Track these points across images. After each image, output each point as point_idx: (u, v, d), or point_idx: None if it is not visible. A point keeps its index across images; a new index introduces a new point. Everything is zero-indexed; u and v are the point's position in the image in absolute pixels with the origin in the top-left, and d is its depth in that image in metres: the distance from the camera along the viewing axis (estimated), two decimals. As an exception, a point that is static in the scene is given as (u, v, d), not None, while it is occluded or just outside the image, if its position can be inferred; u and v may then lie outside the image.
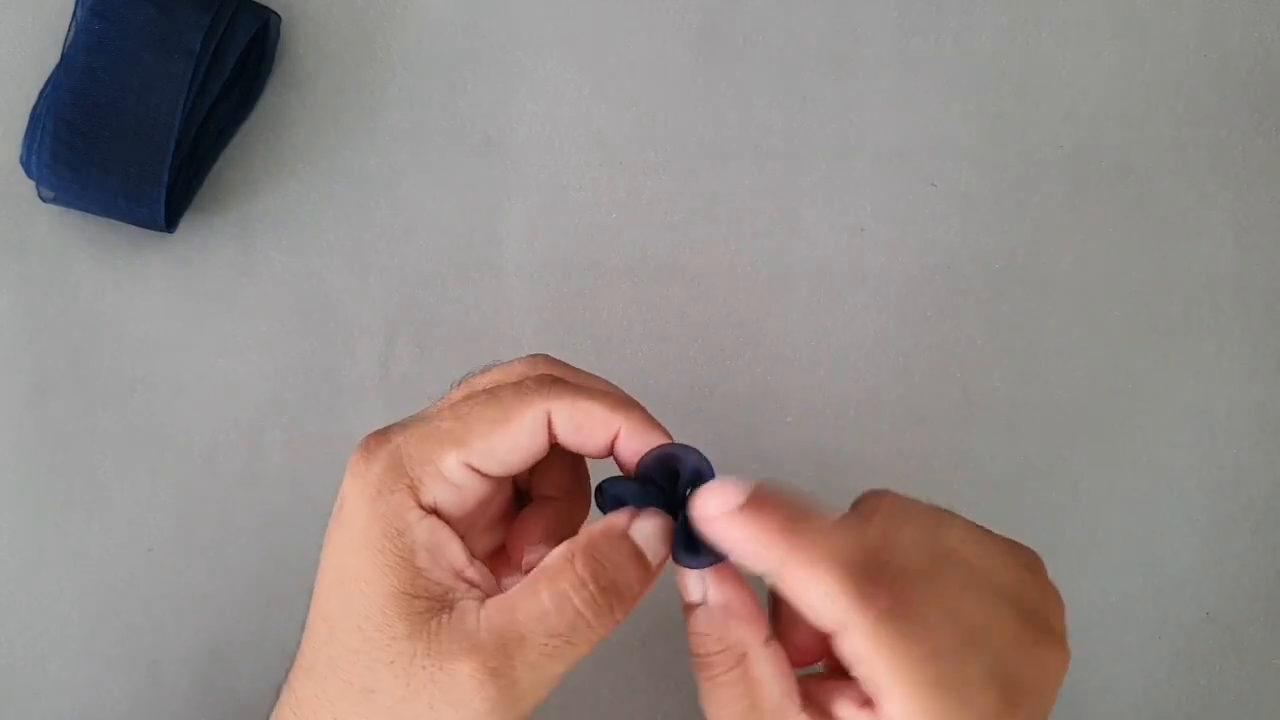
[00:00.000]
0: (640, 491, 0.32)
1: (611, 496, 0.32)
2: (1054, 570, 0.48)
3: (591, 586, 0.30)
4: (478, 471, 0.31)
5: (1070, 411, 0.49)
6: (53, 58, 0.46)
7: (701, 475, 0.32)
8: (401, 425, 0.32)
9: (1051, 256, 0.49)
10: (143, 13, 0.45)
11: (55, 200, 0.46)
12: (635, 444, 0.32)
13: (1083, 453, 0.48)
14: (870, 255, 0.49)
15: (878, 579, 0.29)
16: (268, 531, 0.47)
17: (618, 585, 0.31)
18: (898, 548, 0.30)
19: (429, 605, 0.30)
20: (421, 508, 0.31)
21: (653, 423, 0.32)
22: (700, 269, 0.49)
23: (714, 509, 0.30)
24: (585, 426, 0.31)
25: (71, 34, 0.46)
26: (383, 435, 0.32)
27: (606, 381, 0.34)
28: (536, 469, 0.34)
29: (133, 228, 0.47)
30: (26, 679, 0.46)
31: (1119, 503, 0.48)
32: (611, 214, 0.49)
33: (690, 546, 0.31)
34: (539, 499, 0.35)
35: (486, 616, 0.30)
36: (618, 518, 0.32)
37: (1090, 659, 0.48)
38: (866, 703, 0.30)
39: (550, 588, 0.30)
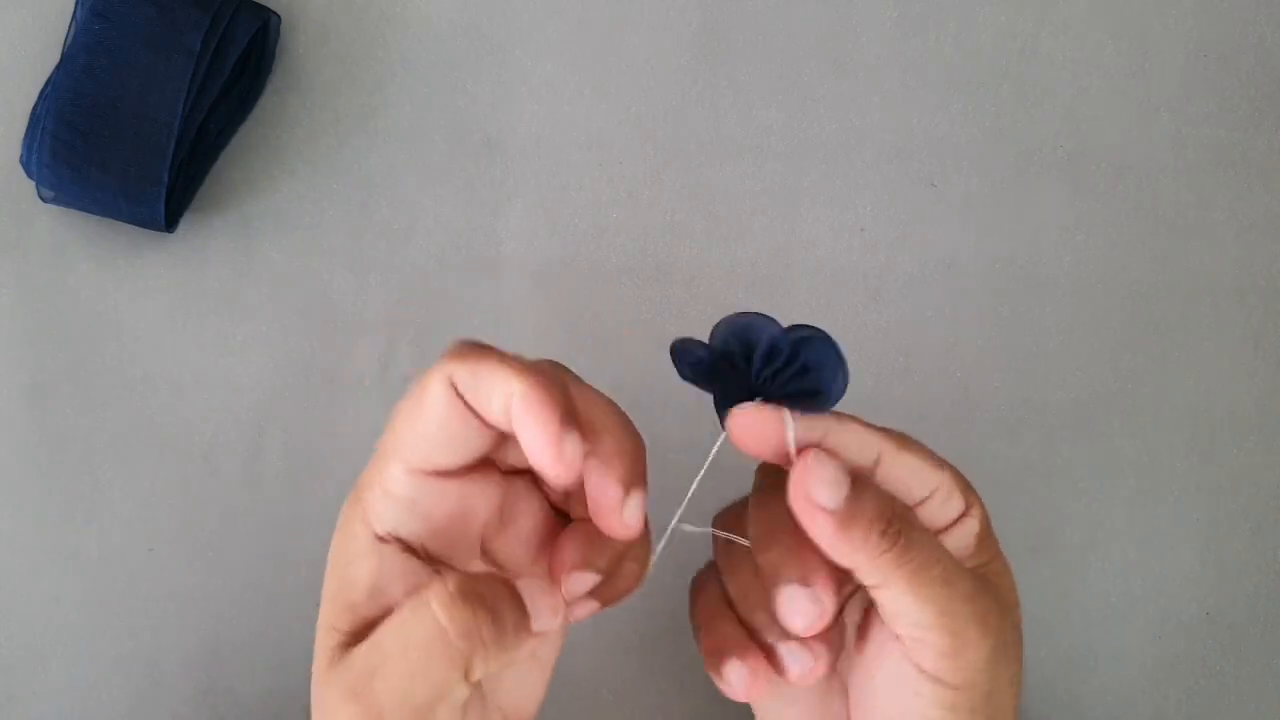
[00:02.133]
0: (710, 367, 0.32)
1: (686, 364, 0.32)
2: (1054, 570, 0.49)
3: (452, 588, 0.29)
4: (427, 473, 0.30)
5: (1070, 411, 0.49)
6: (53, 58, 0.46)
7: (776, 349, 0.32)
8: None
9: (1051, 256, 0.49)
10: (143, 13, 0.45)
11: (55, 200, 0.46)
12: (521, 413, 0.28)
13: (1083, 453, 0.49)
14: (870, 255, 0.49)
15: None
16: (268, 531, 0.47)
17: (478, 593, 0.29)
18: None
19: (342, 638, 0.29)
20: (377, 537, 0.30)
21: (540, 395, 0.28)
22: (700, 269, 0.49)
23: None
24: (482, 395, 0.29)
25: (71, 34, 0.46)
26: (359, 478, 0.32)
27: (598, 395, 0.32)
28: (574, 488, 0.33)
29: (133, 228, 0.47)
30: (26, 679, 0.46)
31: (1119, 503, 0.48)
32: (611, 214, 0.49)
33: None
34: (577, 520, 0.34)
35: (367, 642, 0.29)
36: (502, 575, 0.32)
37: (1090, 659, 0.48)
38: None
39: (409, 595, 0.30)
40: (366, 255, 0.49)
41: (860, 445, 0.32)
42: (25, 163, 0.46)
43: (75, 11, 0.47)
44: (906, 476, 0.33)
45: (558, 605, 0.30)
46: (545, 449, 0.28)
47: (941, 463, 0.34)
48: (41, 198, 0.47)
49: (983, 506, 0.34)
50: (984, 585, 0.33)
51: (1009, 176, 0.50)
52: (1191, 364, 0.49)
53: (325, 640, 0.30)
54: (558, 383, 0.29)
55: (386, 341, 0.48)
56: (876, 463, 0.33)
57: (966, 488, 0.34)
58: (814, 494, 0.31)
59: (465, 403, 0.29)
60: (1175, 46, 0.51)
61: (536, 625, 0.29)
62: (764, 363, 0.32)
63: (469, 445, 0.30)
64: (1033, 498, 0.48)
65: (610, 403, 0.32)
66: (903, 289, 0.49)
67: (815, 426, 0.32)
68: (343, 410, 0.48)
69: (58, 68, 0.46)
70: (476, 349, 0.30)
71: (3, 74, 0.48)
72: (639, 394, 0.48)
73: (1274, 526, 0.48)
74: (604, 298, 0.49)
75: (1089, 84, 0.50)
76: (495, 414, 0.29)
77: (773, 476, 0.35)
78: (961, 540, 0.34)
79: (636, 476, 0.31)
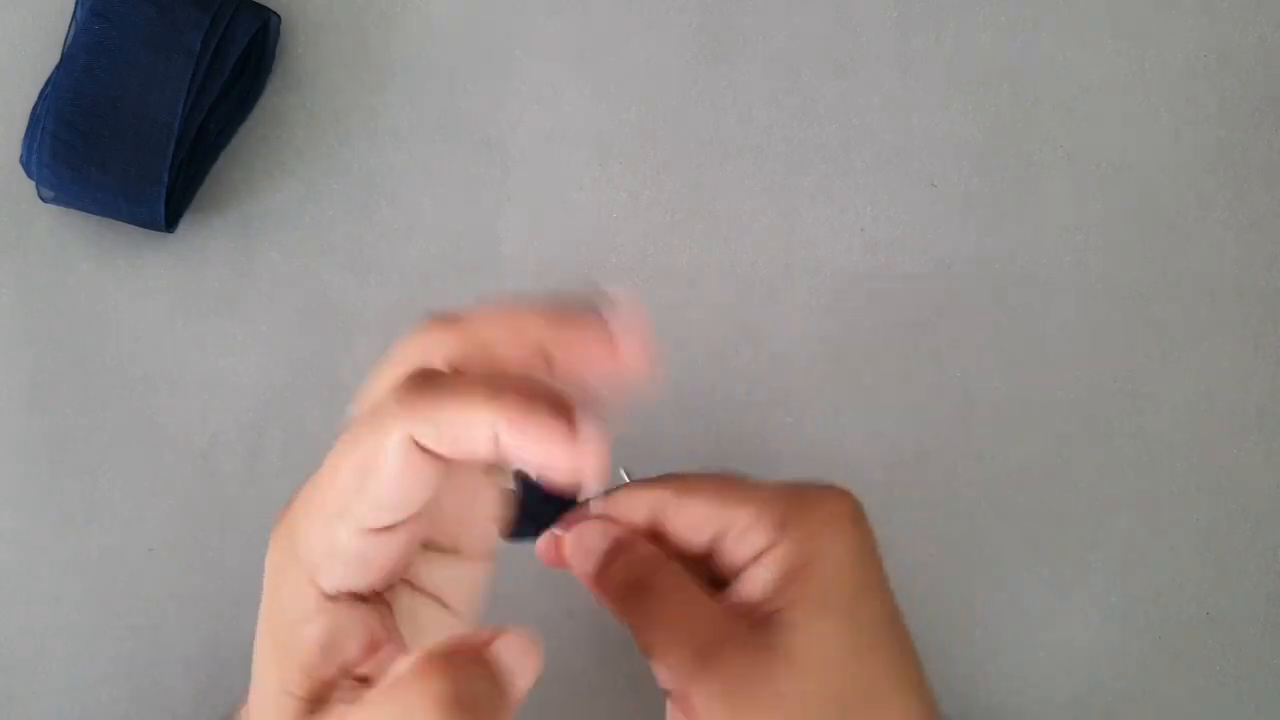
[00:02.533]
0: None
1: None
2: (1054, 570, 0.49)
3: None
4: (379, 530, 0.27)
5: (1070, 411, 0.49)
6: (53, 58, 0.46)
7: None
8: (296, 493, 0.29)
9: (1051, 256, 0.49)
10: (143, 13, 0.45)
11: (55, 200, 0.46)
12: (517, 445, 0.25)
13: (1083, 453, 0.48)
14: (870, 255, 0.49)
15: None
16: (268, 531, 0.47)
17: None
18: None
19: (300, 705, 0.28)
20: (326, 597, 0.28)
21: (528, 410, 0.25)
22: (700, 269, 0.49)
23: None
24: (461, 439, 0.26)
25: (71, 34, 0.46)
26: (285, 511, 0.29)
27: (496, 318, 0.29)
28: None
29: (133, 228, 0.47)
30: (26, 679, 0.46)
31: (1119, 503, 0.48)
32: (611, 214, 0.49)
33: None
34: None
35: None
36: (478, 635, 0.27)
37: (1090, 659, 0.48)
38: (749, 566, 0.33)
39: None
40: (366, 255, 0.49)
41: (634, 507, 0.34)
42: (25, 163, 0.46)
43: (75, 11, 0.47)
44: (686, 524, 0.33)
45: (538, 662, 0.28)
46: (563, 461, 0.25)
47: (744, 500, 0.32)
48: (41, 198, 0.47)
49: (804, 540, 0.32)
50: (718, 642, 0.31)
51: (1009, 176, 0.50)
52: (1191, 364, 0.49)
53: (281, 705, 0.28)
54: (527, 384, 0.26)
55: (386, 341, 0.48)
56: (657, 517, 0.34)
57: (786, 521, 0.32)
58: (576, 568, 0.34)
59: (430, 452, 0.26)
60: (1175, 46, 0.51)
61: (523, 686, 0.27)
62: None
63: (428, 489, 0.27)
64: (1033, 498, 0.48)
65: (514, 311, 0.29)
66: (903, 289, 0.49)
67: (594, 508, 0.34)
68: (343, 410, 0.48)
69: (58, 68, 0.46)
70: (425, 386, 0.27)
71: (3, 74, 0.48)
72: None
73: (1274, 526, 0.48)
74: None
75: (1089, 84, 0.50)
76: (478, 453, 0.26)
77: None
78: (752, 585, 0.32)
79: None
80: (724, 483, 0.33)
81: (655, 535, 0.34)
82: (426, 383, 0.27)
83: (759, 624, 0.31)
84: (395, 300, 0.48)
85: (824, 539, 0.32)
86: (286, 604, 0.28)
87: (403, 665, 0.26)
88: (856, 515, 0.33)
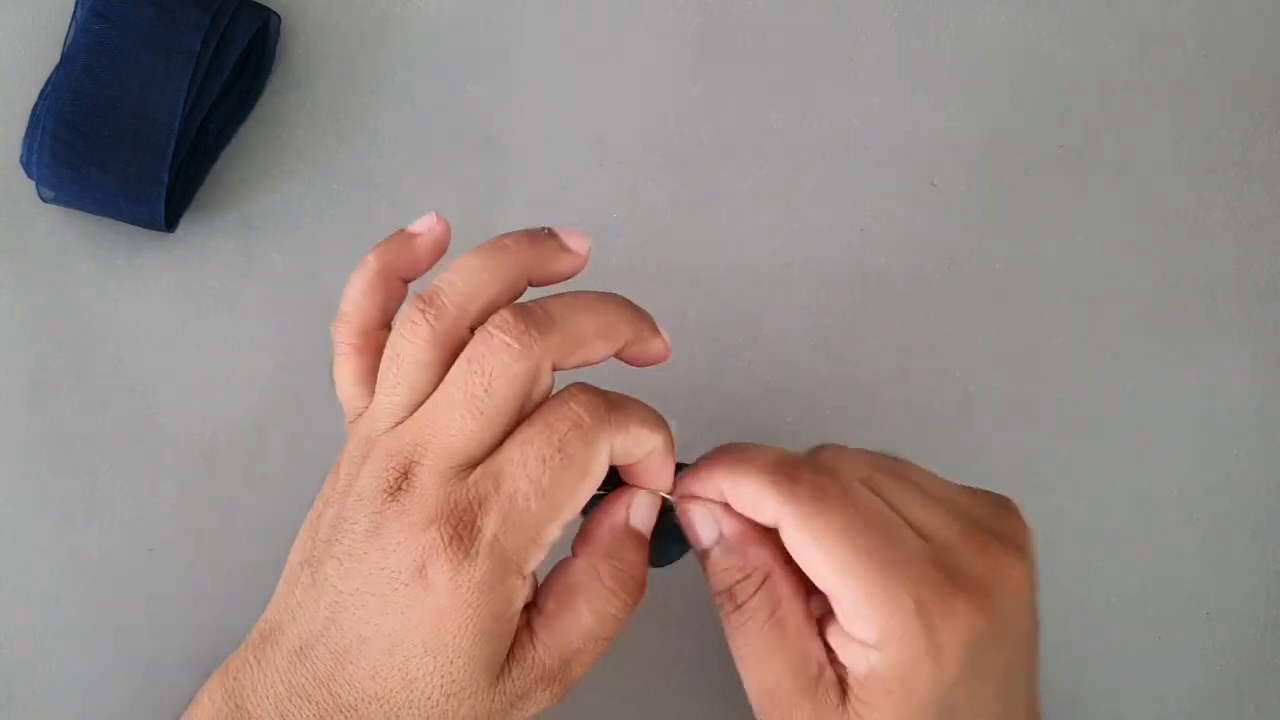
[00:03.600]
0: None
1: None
2: (1054, 570, 0.48)
3: (622, 594, 0.33)
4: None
5: (1070, 411, 0.49)
6: (53, 58, 0.46)
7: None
8: (483, 507, 0.30)
9: (1051, 256, 0.49)
10: (142, 13, 0.45)
11: (55, 200, 0.46)
12: (653, 474, 0.34)
13: (1083, 453, 0.48)
14: (870, 255, 0.49)
15: (798, 475, 0.32)
16: (268, 531, 0.47)
17: (638, 579, 0.33)
18: (830, 459, 0.34)
19: (501, 655, 0.31)
20: (524, 578, 0.31)
21: (672, 449, 0.34)
22: (700, 269, 0.49)
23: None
24: (633, 453, 0.32)
25: (71, 34, 0.46)
26: (469, 524, 0.30)
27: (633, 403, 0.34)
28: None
29: (133, 228, 0.47)
30: (26, 679, 0.46)
31: (1119, 503, 0.48)
32: (611, 214, 0.49)
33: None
34: None
35: (544, 647, 0.32)
36: (617, 512, 0.33)
37: (1090, 659, 0.48)
38: (849, 637, 0.32)
39: (589, 605, 0.32)
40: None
41: (754, 506, 0.34)
42: (25, 163, 0.46)
43: (75, 11, 0.47)
44: (803, 563, 0.32)
45: (658, 505, 0.34)
46: (665, 473, 0.34)
47: (865, 576, 0.31)
48: (41, 198, 0.47)
49: (911, 659, 0.31)
50: (789, 694, 0.33)
51: (1009, 176, 0.50)
52: (1191, 364, 0.49)
53: (491, 668, 0.31)
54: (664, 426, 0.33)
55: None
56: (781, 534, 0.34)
57: (900, 626, 0.31)
58: (690, 532, 0.35)
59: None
60: (1175, 46, 0.51)
61: (648, 534, 0.34)
62: None
63: None
64: (1033, 498, 0.48)
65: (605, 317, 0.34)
66: (903, 289, 0.49)
67: (709, 487, 0.34)
68: (343, 410, 0.48)
69: (58, 68, 0.46)
70: (620, 414, 0.32)
71: (3, 74, 0.48)
72: (639, 394, 0.48)
73: (1274, 526, 0.48)
74: (604, 298, 0.48)
75: (1089, 84, 0.50)
76: (634, 460, 0.33)
77: None
78: (851, 664, 0.33)
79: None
80: (858, 540, 0.31)
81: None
82: (615, 402, 0.32)
83: (845, 690, 0.32)
84: (395, 300, 0.48)
85: (931, 669, 0.31)
86: (500, 602, 0.31)
87: (579, 571, 0.33)
88: (970, 639, 0.31)
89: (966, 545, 0.32)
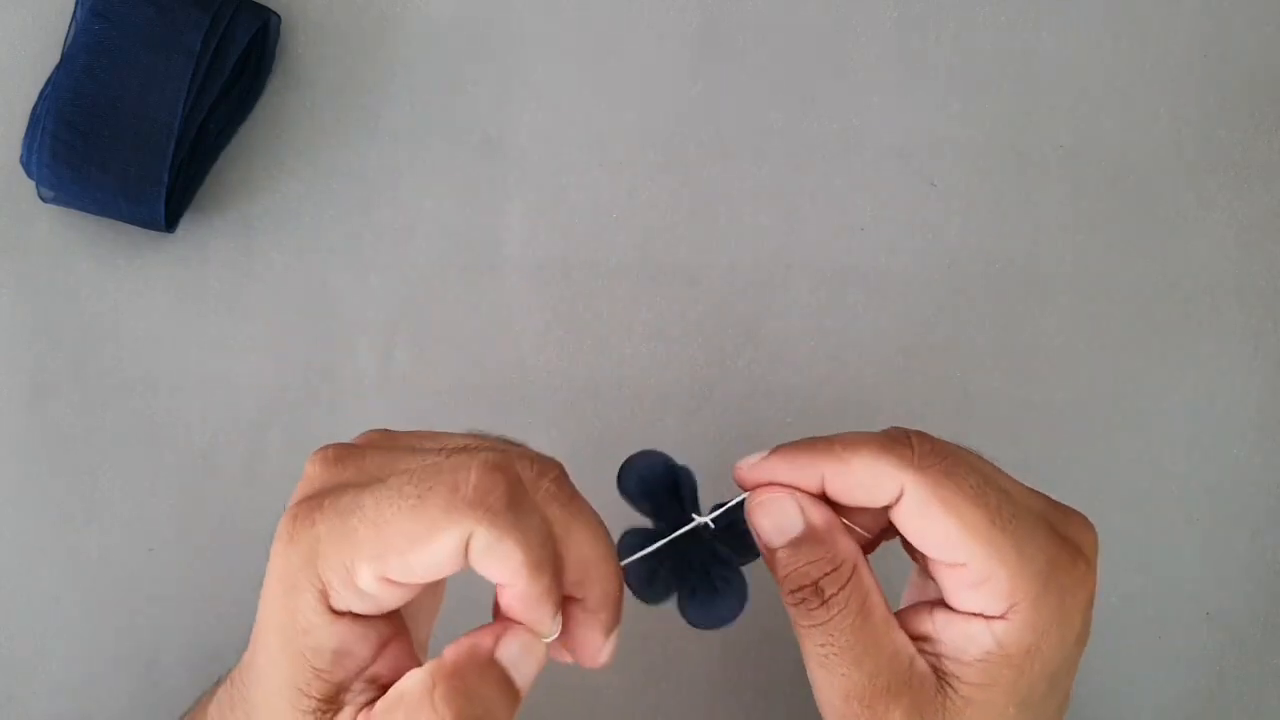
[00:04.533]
0: (655, 528, 0.32)
1: (630, 546, 0.33)
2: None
3: None
4: (397, 583, 0.28)
5: (1070, 411, 0.49)
6: (53, 58, 0.46)
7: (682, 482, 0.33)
8: (330, 505, 0.29)
9: (1051, 256, 0.49)
10: (143, 13, 0.45)
11: (55, 200, 0.46)
12: (514, 600, 0.29)
13: (1083, 453, 0.49)
14: (870, 255, 0.49)
15: (914, 445, 0.31)
16: (268, 531, 0.47)
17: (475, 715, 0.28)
18: (931, 438, 0.32)
19: (317, 705, 0.29)
20: (333, 612, 0.29)
21: (544, 591, 0.28)
22: (700, 269, 0.49)
23: (753, 459, 0.32)
24: (489, 558, 0.28)
25: (71, 34, 0.46)
26: (309, 515, 0.29)
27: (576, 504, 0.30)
28: None
29: (133, 228, 0.47)
30: (26, 679, 0.46)
31: (1119, 503, 0.48)
32: (611, 214, 0.49)
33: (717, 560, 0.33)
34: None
35: None
36: (482, 638, 0.29)
37: (1090, 659, 0.48)
38: (943, 606, 0.31)
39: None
40: (366, 255, 0.49)
41: (870, 483, 0.32)
42: (25, 163, 0.46)
43: (75, 11, 0.47)
44: (929, 534, 0.31)
45: (542, 654, 0.30)
46: (534, 622, 0.29)
47: (993, 540, 0.30)
48: (41, 198, 0.47)
49: (1035, 627, 0.30)
50: (884, 691, 0.31)
51: (1009, 176, 0.50)
52: (1191, 364, 0.49)
53: (295, 704, 0.29)
54: (550, 568, 0.28)
55: (386, 341, 0.48)
56: (899, 500, 0.31)
57: (1026, 590, 0.30)
58: (756, 527, 0.33)
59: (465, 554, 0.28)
60: (1175, 46, 0.51)
61: (528, 682, 0.29)
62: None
63: (452, 573, 0.29)
64: (1033, 498, 0.48)
65: (599, 540, 0.30)
66: (903, 289, 0.49)
67: (809, 474, 0.32)
68: (343, 410, 0.48)
69: (58, 68, 0.46)
70: (503, 521, 0.27)
71: (3, 74, 0.48)
72: (639, 393, 0.48)
73: (1274, 526, 0.48)
74: (604, 298, 0.49)
75: (1089, 84, 0.50)
76: (490, 575, 0.28)
77: None
78: (963, 643, 0.31)
79: (615, 620, 0.31)
80: (985, 507, 0.30)
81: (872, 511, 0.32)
82: (507, 498, 0.28)
83: (945, 675, 0.31)
84: (395, 300, 0.48)
85: (1051, 632, 0.30)
86: (298, 610, 0.29)
87: (413, 681, 0.28)
88: (1092, 598, 0.31)
89: (1057, 513, 0.32)
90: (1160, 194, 0.50)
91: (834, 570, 0.31)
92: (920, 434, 0.32)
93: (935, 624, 0.31)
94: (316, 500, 0.29)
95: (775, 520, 0.32)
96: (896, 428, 0.32)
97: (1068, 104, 0.50)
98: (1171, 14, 0.51)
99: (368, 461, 0.30)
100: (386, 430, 0.33)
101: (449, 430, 0.32)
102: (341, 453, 0.31)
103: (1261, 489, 0.49)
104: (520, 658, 0.29)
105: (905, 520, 0.31)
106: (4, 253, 0.48)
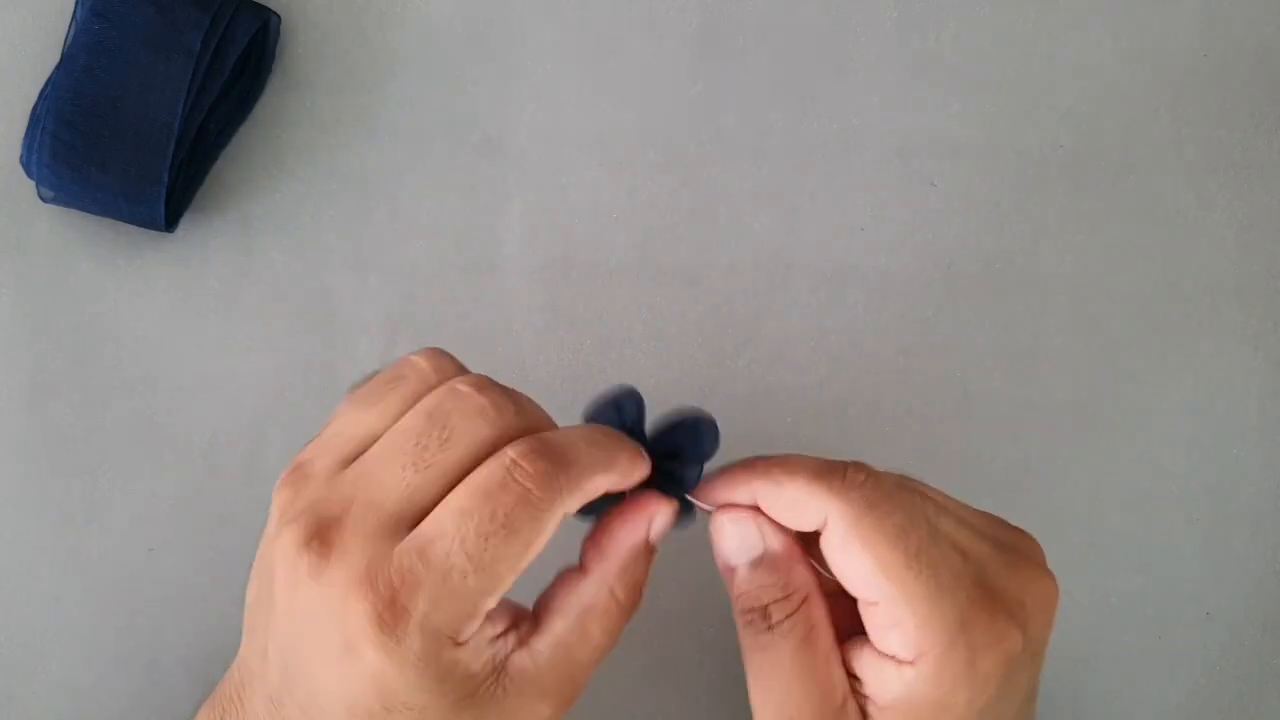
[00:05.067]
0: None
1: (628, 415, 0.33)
2: (1054, 570, 0.48)
3: (630, 608, 0.32)
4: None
5: (1070, 411, 0.49)
6: (53, 58, 0.46)
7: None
8: (409, 585, 0.28)
9: (1051, 256, 0.49)
10: (142, 13, 0.45)
11: (55, 200, 0.46)
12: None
13: (1083, 453, 0.48)
14: (870, 255, 0.49)
15: (847, 476, 0.31)
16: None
17: (643, 589, 0.32)
18: (869, 470, 0.32)
19: (472, 689, 0.29)
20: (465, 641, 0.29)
21: (631, 465, 0.32)
22: (700, 269, 0.49)
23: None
24: (594, 494, 0.31)
25: (71, 34, 0.46)
26: (395, 605, 0.28)
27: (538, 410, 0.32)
28: None
29: (133, 228, 0.47)
30: (26, 679, 0.46)
31: (1119, 503, 0.48)
32: (611, 214, 0.49)
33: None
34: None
35: (545, 663, 0.30)
36: (637, 529, 0.32)
37: (1090, 659, 0.48)
38: (869, 645, 0.31)
39: (601, 624, 0.31)
40: (366, 255, 0.49)
41: (797, 510, 0.32)
42: (25, 163, 0.46)
43: (75, 11, 0.47)
44: (845, 567, 0.31)
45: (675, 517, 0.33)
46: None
47: (909, 586, 0.30)
48: (41, 198, 0.47)
49: (951, 677, 0.30)
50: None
51: (1009, 176, 0.50)
52: (1191, 364, 0.49)
53: (465, 708, 0.29)
54: (608, 457, 0.31)
55: (386, 341, 0.48)
56: (824, 528, 0.32)
57: (935, 639, 0.30)
58: (716, 542, 0.33)
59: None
60: (1175, 46, 0.51)
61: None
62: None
63: None
64: (1033, 498, 0.48)
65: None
66: (903, 289, 0.49)
67: (741, 493, 0.33)
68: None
69: (58, 68, 0.46)
70: (573, 475, 0.29)
71: (3, 74, 0.48)
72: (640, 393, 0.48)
73: (1274, 526, 0.48)
74: (604, 298, 0.49)
75: (1089, 84, 0.50)
76: (597, 493, 0.31)
77: None
78: (877, 683, 0.31)
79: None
80: (904, 545, 0.30)
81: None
82: (564, 459, 0.30)
83: (869, 712, 0.31)
84: (395, 300, 0.48)
85: (967, 691, 0.30)
86: (443, 673, 0.29)
87: (591, 591, 0.31)
88: (1014, 657, 0.30)
89: (999, 562, 0.31)
90: (1160, 194, 0.50)
91: (785, 598, 0.32)
92: (859, 465, 0.32)
93: (862, 662, 0.31)
94: (393, 597, 0.28)
95: (737, 540, 0.32)
96: (843, 460, 0.32)
97: (1068, 104, 0.50)
98: (1171, 14, 0.51)
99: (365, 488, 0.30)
100: (324, 439, 0.32)
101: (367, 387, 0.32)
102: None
103: (1261, 489, 0.49)
104: (667, 529, 0.32)
105: (828, 550, 0.31)
106: (4, 253, 0.48)
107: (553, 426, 0.32)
